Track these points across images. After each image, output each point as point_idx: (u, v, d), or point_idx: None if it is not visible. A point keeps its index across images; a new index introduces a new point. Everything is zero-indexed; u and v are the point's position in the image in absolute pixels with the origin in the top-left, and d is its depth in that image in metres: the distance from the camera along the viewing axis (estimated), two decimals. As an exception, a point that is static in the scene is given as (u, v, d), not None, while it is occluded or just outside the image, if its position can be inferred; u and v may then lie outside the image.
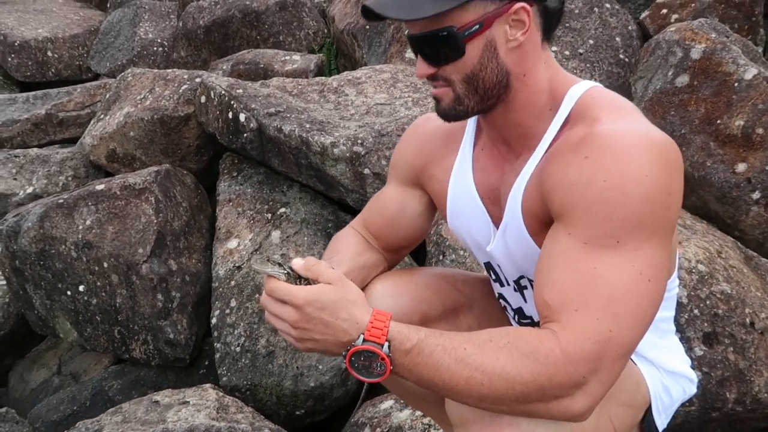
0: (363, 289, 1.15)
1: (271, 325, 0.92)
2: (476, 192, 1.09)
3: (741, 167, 2.02)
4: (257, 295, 2.17)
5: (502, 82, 0.94)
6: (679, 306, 1.60)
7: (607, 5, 2.91)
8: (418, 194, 1.23)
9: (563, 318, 0.83)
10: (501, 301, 1.24)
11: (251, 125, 2.38)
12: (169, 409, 1.86)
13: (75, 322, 2.37)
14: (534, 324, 1.15)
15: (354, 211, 2.23)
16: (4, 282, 2.53)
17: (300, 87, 2.70)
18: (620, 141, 0.87)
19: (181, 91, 2.79)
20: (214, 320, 2.20)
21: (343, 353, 0.87)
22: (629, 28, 2.88)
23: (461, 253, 1.98)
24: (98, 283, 2.29)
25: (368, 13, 0.93)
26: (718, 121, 2.06)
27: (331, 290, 0.88)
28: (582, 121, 0.93)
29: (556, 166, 0.91)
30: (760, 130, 1.99)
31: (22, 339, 2.68)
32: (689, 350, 1.57)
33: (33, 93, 3.73)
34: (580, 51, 2.80)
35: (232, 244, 2.34)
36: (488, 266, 1.17)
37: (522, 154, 1.01)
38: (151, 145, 2.78)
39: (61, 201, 2.36)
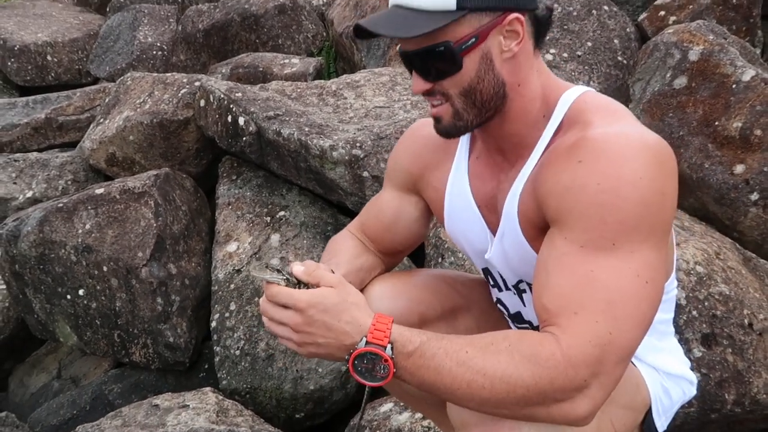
0: (361, 291, 1.15)
1: (272, 332, 0.91)
2: (473, 201, 1.10)
3: (739, 169, 2.02)
4: (257, 299, 2.17)
5: (499, 93, 0.95)
6: (678, 307, 1.60)
7: (605, 7, 2.92)
8: (415, 200, 1.23)
9: (563, 322, 0.83)
10: (498, 305, 1.24)
11: (250, 129, 2.39)
12: (168, 413, 1.86)
13: (75, 326, 2.37)
14: (533, 329, 1.15)
15: (353, 214, 2.24)
16: (4, 286, 2.53)
17: (299, 90, 2.70)
18: (613, 144, 0.87)
19: (180, 94, 2.79)
20: (213, 323, 2.20)
21: (346, 357, 0.87)
22: (627, 30, 2.88)
23: (460, 255, 1.98)
24: (98, 287, 2.29)
25: (361, 32, 0.93)
26: (716, 123, 2.07)
27: (333, 293, 0.88)
28: (575, 126, 0.94)
29: (550, 172, 0.92)
30: (758, 132, 2.00)
31: (22, 343, 2.68)
32: (688, 351, 1.57)
33: (33, 97, 3.74)
34: (579, 53, 2.80)
35: (232, 247, 2.35)
36: (486, 272, 1.18)
37: (517, 162, 1.01)
38: (151, 148, 2.79)
39: (61, 205, 2.37)
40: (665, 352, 1.14)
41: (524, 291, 1.12)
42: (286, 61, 3.57)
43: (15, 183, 3.01)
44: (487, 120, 0.98)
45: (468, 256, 1.21)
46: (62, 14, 5.47)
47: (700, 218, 2.10)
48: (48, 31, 5.00)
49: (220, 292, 2.24)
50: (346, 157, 2.16)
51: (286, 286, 0.90)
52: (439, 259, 2.03)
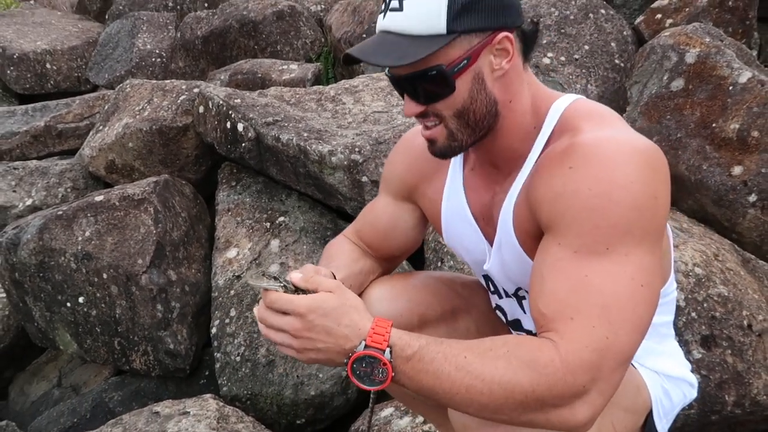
0: (360, 294, 1.15)
1: (269, 340, 0.91)
2: (470, 213, 1.10)
3: (737, 170, 2.02)
4: (257, 305, 2.17)
5: (492, 111, 0.95)
6: (677, 309, 1.60)
7: (602, 11, 2.93)
8: (411, 208, 1.23)
9: (560, 327, 0.83)
10: (497, 311, 1.24)
11: (249, 135, 2.39)
12: (169, 420, 1.85)
13: (75, 334, 2.37)
14: (533, 336, 1.15)
15: (352, 219, 2.22)
16: (4, 294, 2.54)
17: (297, 96, 2.71)
18: (604, 149, 0.87)
19: (179, 101, 2.80)
20: (214, 330, 2.20)
21: (345, 360, 0.87)
22: (624, 33, 2.89)
23: (459, 259, 1.99)
24: (98, 295, 2.29)
25: (351, 60, 0.93)
26: (714, 125, 2.07)
27: (332, 297, 0.88)
28: (565, 134, 0.94)
29: (542, 179, 0.92)
30: (755, 133, 2.00)
31: (22, 351, 2.68)
32: (687, 353, 1.57)
33: (32, 105, 3.74)
34: (576, 57, 2.81)
35: (232, 253, 2.35)
36: (486, 278, 1.18)
37: (510, 174, 1.02)
38: (150, 155, 2.79)
39: (61, 213, 2.37)
40: (665, 354, 1.14)
41: (523, 298, 1.12)
42: (285, 66, 3.58)
43: (14, 191, 3.02)
44: (480, 138, 0.98)
45: (467, 264, 1.21)
46: (61, 22, 5.48)
47: (699, 220, 2.10)
48: (47, 39, 5.02)
49: (220, 299, 2.24)
50: (345, 162, 2.17)
51: (285, 292, 0.90)
52: (439, 263, 2.04)
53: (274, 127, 2.35)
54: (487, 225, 1.08)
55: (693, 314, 1.63)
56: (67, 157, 3.41)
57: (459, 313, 1.25)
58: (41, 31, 5.19)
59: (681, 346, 1.23)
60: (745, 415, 1.60)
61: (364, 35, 3.57)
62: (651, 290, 0.85)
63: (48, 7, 6.43)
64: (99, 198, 2.41)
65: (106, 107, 3.12)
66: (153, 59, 4.48)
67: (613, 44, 2.85)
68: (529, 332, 1.16)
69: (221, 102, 2.52)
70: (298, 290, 0.91)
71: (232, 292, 2.23)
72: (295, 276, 0.92)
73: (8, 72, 4.75)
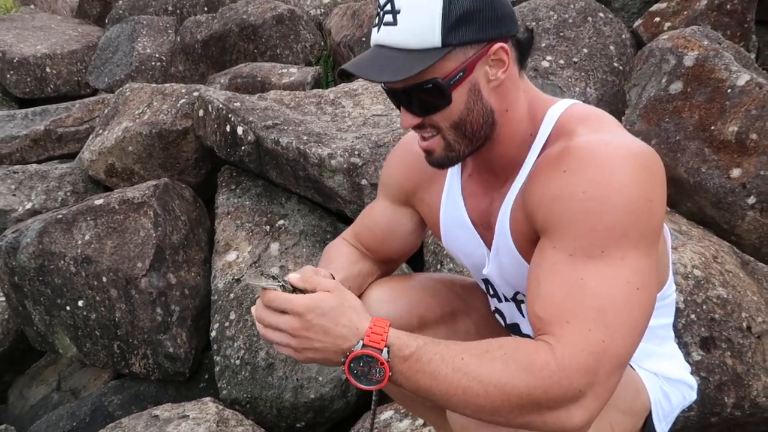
0: (359, 296, 1.15)
1: (267, 339, 0.91)
2: (468, 219, 1.11)
3: (736, 173, 2.03)
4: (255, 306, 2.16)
5: (488, 121, 0.95)
6: (676, 311, 1.60)
7: (601, 14, 2.94)
8: (409, 212, 1.23)
9: (556, 330, 0.83)
10: (496, 315, 1.24)
11: (249, 138, 2.40)
12: (168, 424, 1.85)
13: (74, 338, 2.37)
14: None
15: (352, 222, 2.24)
16: (3, 298, 2.53)
17: (297, 99, 2.72)
18: (598, 152, 0.87)
19: (179, 105, 2.81)
20: (213, 333, 2.20)
21: (342, 359, 0.87)
22: (623, 36, 2.90)
23: (458, 262, 1.99)
24: (97, 298, 2.29)
25: (347, 74, 0.93)
26: (712, 127, 2.08)
27: (330, 297, 0.88)
28: (561, 138, 0.94)
29: (538, 184, 0.93)
30: (753, 136, 2.01)
31: (22, 355, 2.68)
32: (687, 355, 1.57)
33: (32, 109, 3.75)
34: (575, 60, 2.82)
35: (231, 256, 2.35)
36: (486, 282, 1.18)
37: (507, 180, 1.02)
38: (150, 159, 2.80)
39: (60, 216, 2.37)
40: (665, 357, 1.14)
41: (522, 302, 1.12)
42: (284, 70, 3.59)
43: (14, 195, 3.02)
44: (478, 148, 0.99)
45: (467, 268, 1.21)
46: (61, 26, 5.49)
47: (698, 222, 2.10)
48: (47, 43, 5.03)
49: (219, 302, 2.24)
50: (345, 165, 2.17)
51: (283, 292, 0.90)
52: (438, 266, 2.04)
53: (274, 131, 2.36)
54: (486, 230, 1.08)
55: (692, 316, 1.63)
56: (67, 160, 3.42)
57: (459, 315, 1.26)
58: (41, 35, 5.20)
59: (680, 348, 1.23)
60: (745, 417, 1.60)
61: (364, 39, 3.58)
62: (647, 293, 0.85)
63: (48, 11, 6.44)
64: (99, 201, 2.41)
65: (106, 111, 3.13)
66: (153, 63, 4.49)
67: (611, 47, 2.86)
68: (527, 336, 1.16)
69: (221, 105, 2.52)
70: (296, 290, 0.91)
71: (232, 295, 2.23)
72: (293, 277, 0.92)
73: (8, 76, 4.75)
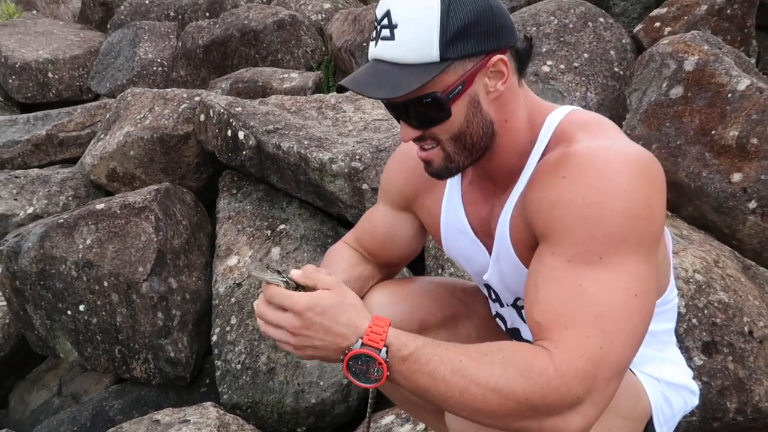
0: (360, 299, 1.15)
1: (268, 336, 0.91)
2: (469, 226, 1.11)
3: (737, 177, 2.03)
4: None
5: (488, 132, 0.95)
6: (678, 316, 1.60)
7: (601, 19, 2.95)
8: (409, 218, 1.23)
9: (554, 336, 0.83)
10: (497, 319, 1.24)
11: (250, 143, 2.40)
12: (169, 428, 1.85)
13: (75, 342, 2.37)
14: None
15: (353, 227, 2.25)
16: (5, 303, 2.53)
17: (298, 104, 2.72)
18: (596, 158, 0.87)
19: (180, 110, 2.81)
20: (214, 338, 2.20)
21: (341, 357, 0.87)
22: (623, 41, 2.91)
23: (459, 267, 1.99)
24: (98, 303, 2.29)
25: (345, 89, 0.93)
26: (713, 132, 2.08)
27: (330, 295, 0.88)
28: (560, 145, 0.94)
29: (537, 190, 0.92)
30: (754, 140, 2.01)
31: (23, 360, 2.68)
32: (688, 360, 1.57)
33: (34, 114, 3.76)
34: (575, 65, 2.82)
35: (232, 261, 2.35)
36: (488, 287, 1.18)
37: (508, 188, 1.02)
38: (151, 163, 2.80)
39: (62, 221, 2.37)
40: (666, 362, 1.13)
41: (522, 307, 1.12)
42: (286, 75, 3.60)
43: (16, 199, 3.02)
44: (478, 159, 0.99)
45: (468, 273, 1.21)
46: (63, 31, 5.51)
47: (699, 227, 2.10)
48: (49, 48, 5.05)
49: (220, 306, 2.25)
50: (346, 170, 2.17)
51: (286, 288, 0.90)
52: (439, 270, 2.04)
53: (275, 135, 2.36)
54: (486, 237, 1.08)
55: (694, 321, 1.63)
56: (69, 165, 3.42)
57: (460, 318, 1.26)
58: (43, 40, 5.22)
59: (682, 353, 1.23)
60: (747, 422, 1.59)
61: (365, 44, 3.59)
62: (646, 300, 0.85)
63: (50, 16, 6.47)
64: (100, 206, 2.42)
65: (108, 116, 3.14)
66: (154, 68, 4.50)
67: (612, 52, 2.86)
68: (527, 341, 1.16)
69: (222, 110, 2.53)
70: (299, 286, 0.91)
71: (233, 299, 2.23)
72: (295, 273, 0.92)
73: (10, 81, 4.77)
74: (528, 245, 0.97)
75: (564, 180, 0.88)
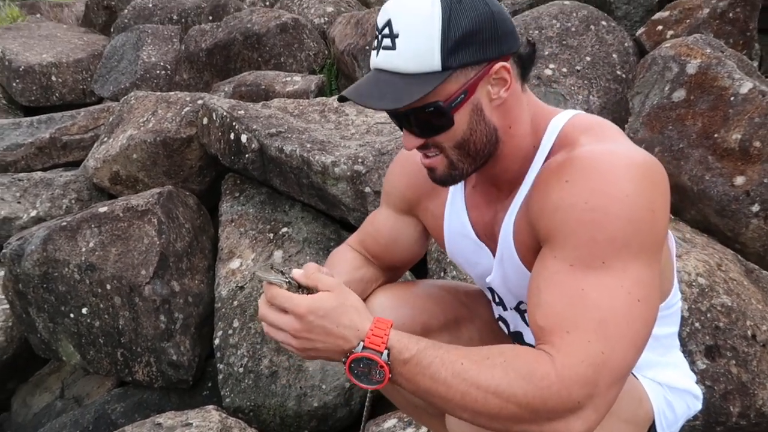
0: (363, 301, 1.15)
1: (271, 337, 0.92)
2: (472, 231, 1.10)
3: (739, 180, 2.03)
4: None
5: (492, 139, 0.95)
6: (681, 319, 1.59)
7: (603, 23, 2.95)
8: (413, 222, 1.23)
9: (556, 341, 0.83)
10: (500, 322, 1.24)
11: (253, 146, 2.41)
12: None
13: (78, 345, 2.37)
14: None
15: (355, 230, 2.25)
16: (8, 306, 2.54)
17: (301, 107, 2.73)
18: (599, 162, 0.87)
19: (183, 113, 2.82)
20: (216, 341, 2.20)
21: (343, 359, 0.87)
22: (625, 44, 2.91)
23: (462, 270, 1.98)
24: (101, 305, 2.30)
25: (347, 99, 0.92)
26: (716, 135, 2.08)
27: (331, 297, 0.88)
28: (563, 148, 0.94)
29: (540, 194, 0.92)
30: (757, 144, 2.00)
31: (25, 363, 2.68)
32: (691, 364, 1.57)
33: (37, 117, 3.77)
34: (578, 68, 2.82)
35: (235, 264, 2.35)
36: (491, 291, 1.18)
37: (511, 192, 1.02)
38: (154, 167, 2.81)
39: (65, 224, 2.38)
40: (669, 366, 1.13)
41: (525, 311, 1.12)
42: (288, 78, 3.60)
43: (19, 202, 3.03)
44: (481, 166, 0.98)
45: (471, 277, 1.21)
46: (67, 35, 5.53)
47: (702, 230, 2.10)
48: (53, 51, 5.06)
49: (223, 309, 2.25)
50: (348, 173, 2.18)
51: (288, 288, 0.90)
52: (442, 273, 2.04)
53: (278, 138, 2.37)
54: (490, 240, 1.08)
55: (696, 324, 1.62)
56: (72, 168, 3.43)
57: (462, 322, 1.25)
58: (47, 44, 5.24)
59: (685, 357, 1.23)
60: (751, 426, 1.59)
61: (367, 47, 3.59)
62: (648, 305, 0.84)
63: (54, 20, 6.49)
64: (103, 209, 2.42)
65: (111, 119, 3.15)
66: (157, 71, 4.51)
67: (614, 55, 2.86)
68: (530, 345, 1.16)
69: (225, 113, 2.54)
70: (301, 287, 0.91)
71: (236, 303, 2.23)
72: (297, 272, 0.92)
73: (14, 84, 4.79)
74: (531, 249, 0.96)
75: (567, 184, 0.87)
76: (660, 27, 2.88)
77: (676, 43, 2.28)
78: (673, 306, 1.11)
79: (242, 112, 2.55)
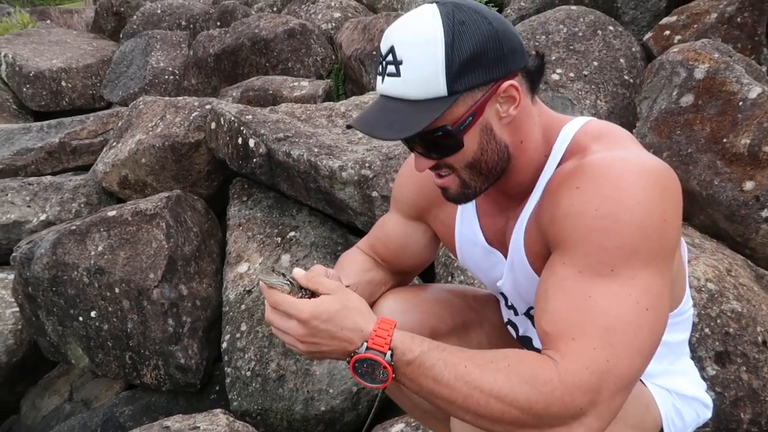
0: (371, 305, 1.15)
1: (278, 339, 0.93)
2: (484, 239, 1.10)
3: (749, 185, 2.02)
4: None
5: (503, 156, 0.94)
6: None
7: (611, 28, 2.95)
8: (423, 228, 1.23)
9: (561, 346, 0.82)
10: (508, 326, 1.24)
11: (260, 150, 2.42)
12: (179, 435, 1.85)
13: (87, 348, 2.39)
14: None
15: (363, 234, 2.24)
16: (17, 309, 2.56)
17: (308, 112, 2.74)
18: (611, 169, 0.86)
19: (191, 118, 2.84)
20: (224, 345, 2.20)
21: (347, 359, 0.88)
22: (633, 49, 2.91)
23: (469, 274, 1.98)
24: (110, 309, 2.31)
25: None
26: (724, 140, 2.07)
27: (333, 300, 0.89)
28: (575, 155, 0.94)
29: (551, 201, 0.92)
30: (766, 148, 1.99)
31: (34, 366, 2.70)
32: (701, 370, 1.56)
33: (47, 122, 3.80)
34: (585, 73, 2.82)
35: (243, 268, 2.36)
36: (503, 295, 1.18)
37: (522, 200, 1.01)
38: (162, 171, 2.83)
39: (74, 227, 2.40)
40: (679, 373, 1.12)
41: (534, 317, 1.12)
42: (296, 83, 3.62)
43: (29, 206, 3.06)
44: (494, 182, 0.98)
45: (483, 284, 1.21)
46: (77, 41, 5.59)
47: (711, 235, 2.09)
48: (63, 57, 5.11)
49: (231, 313, 2.25)
50: (356, 178, 2.18)
51: (290, 291, 0.91)
52: (449, 278, 2.04)
53: (285, 143, 2.38)
54: (501, 247, 1.08)
55: (706, 330, 1.61)
56: (81, 172, 3.45)
57: (471, 326, 1.25)
58: (57, 49, 5.29)
59: (695, 363, 1.22)
60: (761, 433, 1.57)
61: (374, 52, 3.61)
62: (656, 314, 0.84)
63: (64, 26, 6.55)
64: (112, 213, 2.44)
65: (120, 124, 3.17)
66: (166, 77, 4.55)
67: (621, 60, 2.86)
68: (538, 351, 1.16)
69: (233, 118, 2.55)
70: (303, 288, 0.92)
71: (243, 306, 2.24)
72: (298, 273, 0.93)
73: (24, 90, 4.83)
74: (542, 256, 0.96)
75: (578, 191, 0.87)
76: (667, 32, 2.87)
77: (683, 48, 2.28)
78: (685, 313, 1.10)
79: (250, 116, 2.56)
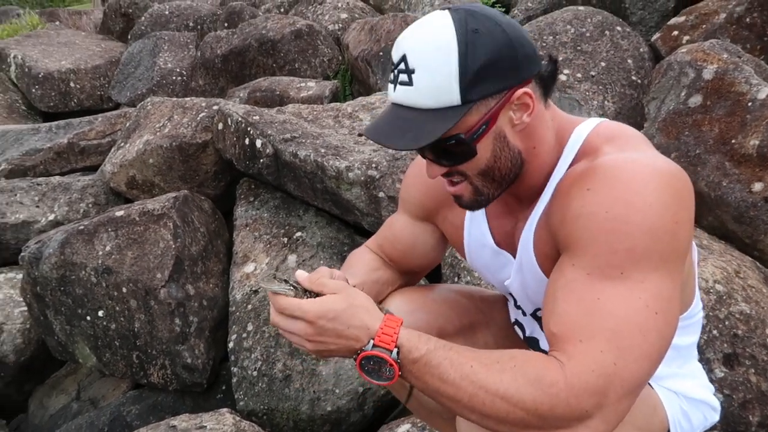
0: (378, 304, 1.16)
1: (285, 339, 0.93)
2: (492, 241, 1.10)
3: (758, 186, 2.00)
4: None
5: (517, 163, 0.94)
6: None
7: (618, 28, 2.94)
8: (430, 229, 1.23)
9: (568, 348, 0.82)
10: (516, 326, 1.24)
11: (267, 151, 2.42)
12: (186, 434, 1.86)
13: (94, 348, 2.40)
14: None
15: (369, 235, 2.24)
16: (26, 308, 2.57)
17: (315, 113, 2.74)
18: (622, 171, 0.86)
19: (199, 118, 2.85)
20: (231, 344, 2.21)
21: (354, 357, 0.88)
22: (641, 50, 2.89)
23: (476, 275, 1.98)
24: (117, 308, 2.32)
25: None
26: (733, 141, 2.06)
27: (338, 299, 0.89)
28: (586, 157, 0.93)
29: (562, 202, 0.91)
30: (775, 149, 1.98)
31: (42, 365, 2.71)
32: (709, 372, 1.55)
33: (56, 123, 3.83)
34: (592, 73, 2.81)
35: (249, 268, 2.36)
36: (512, 296, 1.18)
37: (532, 202, 1.01)
38: (170, 171, 2.84)
39: (82, 227, 2.41)
40: (687, 376, 1.11)
41: (541, 318, 1.12)
42: (303, 84, 3.63)
43: (37, 206, 3.08)
44: (507, 188, 0.97)
45: (491, 285, 1.21)
46: (85, 42, 5.62)
47: (719, 237, 2.07)
48: (71, 58, 5.14)
49: (237, 313, 2.26)
50: (362, 178, 2.18)
51: (295, 295, 0.91)
52: (456, 278, 2.03)
53: (292, 144, 2.38)
54: (510, 249, 1.08)
55: (714, 332, 1.60)
56: (90, 173, 3.47)
57: (478, 327, 1.25)
58: (66, 51, 5.33)
59: (703, 365, 1.21)
60: (770, 436, 1.56)
61: (381, 53, 3.61)
62: (666, 318, 0.83)
63: (73, 27, 6.60)
64: (119, 213, 2.45)
65: (128, 124, 3.18)
66: (174, 77, 4.57)
67: (629, 61, 2.85)
68: (545, 352, 1.16)
69: (240, 119, 2.56)
70: (306, 291, 0.92)
71: (250, 306, 2.24)
72: (301, 276, 0.93)
73: (33, 90, 4.87)
74: (551, 257, 0.95)
75: (589, 192, 0.86)
76: (676, 32, 2.86)
77: (692, 48, 2.27)
78: (695, 316, 1.10)
79: (257, 117, 2.57)
